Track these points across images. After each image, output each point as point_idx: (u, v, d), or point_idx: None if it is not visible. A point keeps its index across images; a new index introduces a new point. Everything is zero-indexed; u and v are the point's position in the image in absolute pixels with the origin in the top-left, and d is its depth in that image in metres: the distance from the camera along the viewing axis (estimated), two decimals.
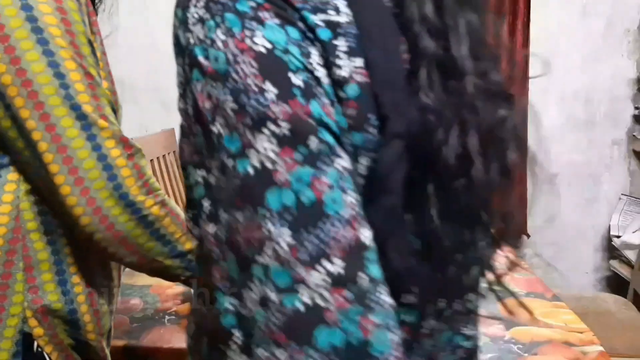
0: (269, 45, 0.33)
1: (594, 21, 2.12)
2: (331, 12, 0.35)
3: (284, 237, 0.32)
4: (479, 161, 0.36)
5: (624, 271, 2.06)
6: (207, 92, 0.34)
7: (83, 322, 0.66)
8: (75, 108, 0.59)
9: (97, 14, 0.72)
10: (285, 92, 0.33)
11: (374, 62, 0.36)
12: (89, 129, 0.59)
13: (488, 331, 0.95)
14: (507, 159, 0.39)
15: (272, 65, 0.33)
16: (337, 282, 0.32)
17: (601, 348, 0.93)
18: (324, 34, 0.35)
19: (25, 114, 0.58)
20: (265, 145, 0.33)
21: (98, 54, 0.66)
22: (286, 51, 0.34)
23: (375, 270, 0.33)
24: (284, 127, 0.33)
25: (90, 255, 0.67)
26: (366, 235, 0.33)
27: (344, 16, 0.35)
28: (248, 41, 0.33)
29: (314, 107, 0.34)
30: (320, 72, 0.34)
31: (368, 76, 0.35)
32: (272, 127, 0.33)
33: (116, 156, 0.61)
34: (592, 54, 2.13)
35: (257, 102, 0.33)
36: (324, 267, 0.32)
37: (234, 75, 0.33)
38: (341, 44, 0.35)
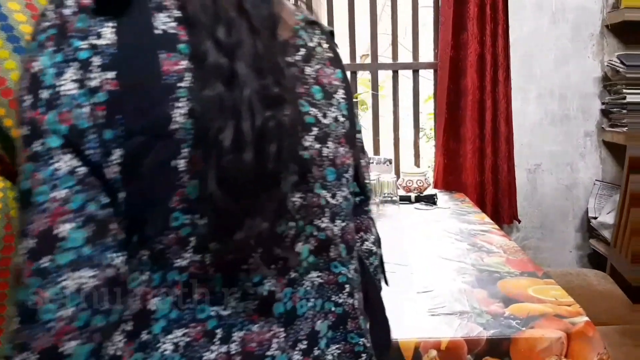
0: (38, 68, 0.42)
1: (562, 27, 2.18)
2: (93, 37, 0.42)
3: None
4: (250, 147, 0.42)
5: (601, 248, 2.12)
6: None
7: None
8: None
9: None
10: (35, 103, 0.42)
11: (123, 75, 0.42)
12: None
13: (489, 309, 0.98)
14: (276, 149, 0.44)
15: (34, 83, 0.42)
16: (31, 255, 0.40)
17: (587, 318, 0.94)
18: (83, 54, 0.42)
19: (8, 123, 0.56)
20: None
21: None
22: (45, 72, 0.42)
23: (62, 258, 0.40)
24: (26, 130, 0.42)
25: None
26: (65, 228, 0.40)
27: (105, 40, 0.42)
28: (32, 63, 0.43)
29: (50, 116, 0.41)
30: (69, 86, 0.42)
31: (118, 85, 0.42)
32: (24, 129, 0.42)
33: None
34: (563, 56, 2.20)
35: (21, 109, 0.43)
36: (26, 241, 0.40)
37: (22, 86, 0.43)
38: (96, 60, 0.42)
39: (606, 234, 2.10)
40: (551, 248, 2.32)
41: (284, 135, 0.45)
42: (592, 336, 0.90)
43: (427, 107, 3.03)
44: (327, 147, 0.55)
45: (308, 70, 0.56)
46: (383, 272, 0.72)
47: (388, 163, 2.10)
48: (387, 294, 1.05)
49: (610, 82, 2.18)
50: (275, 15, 0.49)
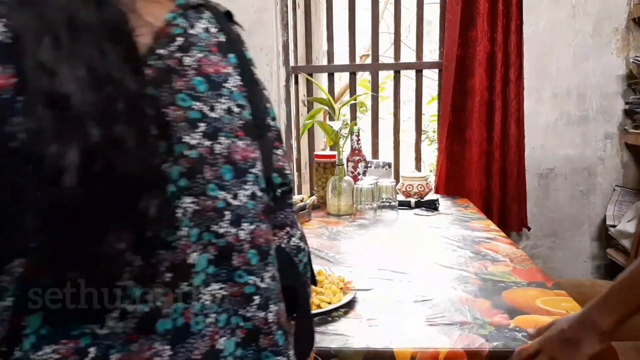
0: None
1: (583, 21, 2.09)
2: None
3: None
4: (73, 169, 0.39)
5: (620, 259, 2.04)
6: None
7: None
8: None
9: None
10: None
11: None
12: None
13: (493, 320, 0.94)
14: (123, 162, 0.42)
15: None
16: None
17: None
18: None
19: None
20: None
21: None
22: None
23: None
24: None
25: None
26: None
27: None
28: None
29: None
30: None
31: None
32: None
33: None
34: (582, 53, 2.10)
35: None
36: None
37: None
38: None
39: (626, 243, 2.01)
40: (563, 257, 2.24)
41: (129, 146, 0.42)
42: (607, 352, 0.81)
43: (430, 109, 2.96)
44: (220, 143, 0.52)
45: (187, 60, 0.53)
46: (311, 269, 0.69)
47: (387, 167, 2.06)
48: (383, 303, 0.96)
49: (635, 80, 2.07)
50: (120, 17, 0.45)
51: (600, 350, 0.76)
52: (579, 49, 2.10)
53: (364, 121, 2.62)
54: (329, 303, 1.00)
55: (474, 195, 2.08)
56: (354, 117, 2.32)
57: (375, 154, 2.34)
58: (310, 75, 2.33)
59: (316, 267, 1.19)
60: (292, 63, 2.30)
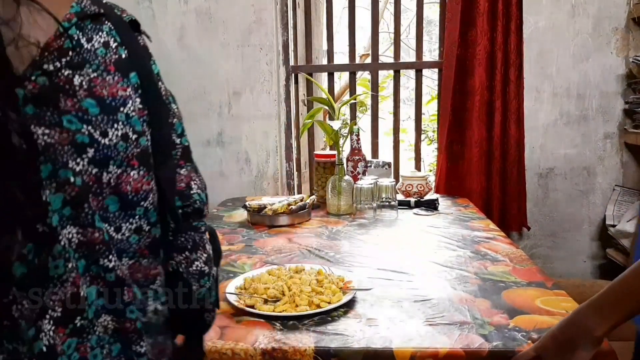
0: None
1: (582, 21, 2.08)
2: None
3: None
4: None
5: (619, 258, 2.03)
6: None
7: None
8: None
9: None
10: None
11: None
12: None
13: (492, 320, 0.93)
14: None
15: None
16: None
17: None
18: None
19: None
20: None
21: None
22: None
23: None
24: None
25: None
26: None
27: None
28: None
29: None
30: None
31: None
32: None
33: None
34: (582, 52, 2.09)
35: None
36: None
37: None
38: None
39: (625, 243, 2.00)
40: (563, 257, 2.23)
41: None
42: (607, 352, 0.81)
43: (430, 109, 2.95)
44: (109, 172, 0.49)
45: (78, 79, 0.48)
46: (216, 292, 0.65)
47: (387, 167, 2.05)
48: (383, 302, 0.95)
49: (635, 80, 2.06)
50: None
51: (597, 352, 0.76)
52: (578, 48, 2.09)
53: (364, 121, 2.61)
54: (329, 303, 1.00)
55: (473, 195, 2.07)
56: (353, 117, 2.31)
57: (375, 153, 2.33)
58: (310, 74, 2.32)
59: (316, 267, 1.19)
60: (292, 62, 2.30)
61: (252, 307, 1.00)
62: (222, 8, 2.17)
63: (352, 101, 2.10)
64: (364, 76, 2.89)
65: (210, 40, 2.20)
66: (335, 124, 1.75)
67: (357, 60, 2.49)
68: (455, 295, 1.06)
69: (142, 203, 0.52)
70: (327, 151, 1.99)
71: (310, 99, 2.22)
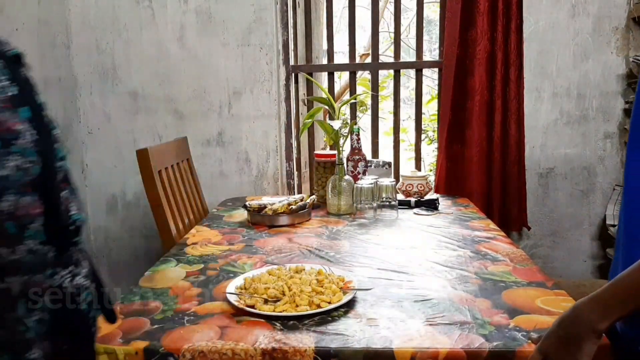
0: None
1: (583, 21, 2.08)
2: None
3: None
4: None
5: None
6: None
7: None
8: None
9: None
10: None
11: None
12: None
13: (493, 320, 0.93)
14: None
15: None
16: None
17: None
18: None
19: None
20: None
21: None
22: None
23: None
24: None
25: None
26: None
27: None
28: None
29: None
30: None
31: None
32: None
33: None
34: (582, 52, 2.09)
35: None
36: None
37: None
38: None
39: None
40: (563, 257, 2.24)
41: None
42: (602, 345, 0.80)
43: (430, 109, 2.95)
44: (7, 201, 0.52)
45: None
46: (102, 305, 0.69)
47: (387, 166, 2.04)
48: (383, 302, 0.95)
49: (635, 80, 2.06)
50: None
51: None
52: (578, 48, 2.09)
53: (364, 120, 2.60)
54: (329, 303, 1.00)
55: (473, 195, 2.07)
56: (354, 117, 2.31)
57: (375, 153, 2.33)
58: (310, 74, 2.32)
59: (316, 267, 1.18)
60: (292, 62, 2.29)
61: (253, 307, 1.00)
62: (222, 8, 2.17)
63: (352, 101, 2.10)
64: (364, 76, 2.89)
65: (210, 40, 2.20)
66: (336, 124, 1.74)
67: (357, 60, 2.49)
68: (455, 295, 1.06)
69: (31, 225, 0.55)
70: (327, 151, 1.99)
71: (311, 99, 2.21)
